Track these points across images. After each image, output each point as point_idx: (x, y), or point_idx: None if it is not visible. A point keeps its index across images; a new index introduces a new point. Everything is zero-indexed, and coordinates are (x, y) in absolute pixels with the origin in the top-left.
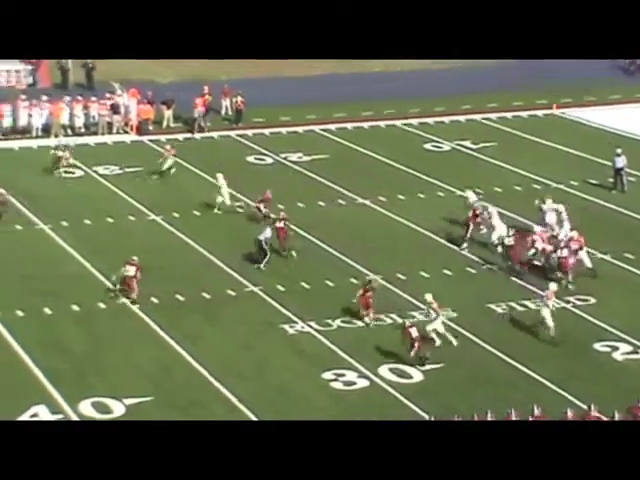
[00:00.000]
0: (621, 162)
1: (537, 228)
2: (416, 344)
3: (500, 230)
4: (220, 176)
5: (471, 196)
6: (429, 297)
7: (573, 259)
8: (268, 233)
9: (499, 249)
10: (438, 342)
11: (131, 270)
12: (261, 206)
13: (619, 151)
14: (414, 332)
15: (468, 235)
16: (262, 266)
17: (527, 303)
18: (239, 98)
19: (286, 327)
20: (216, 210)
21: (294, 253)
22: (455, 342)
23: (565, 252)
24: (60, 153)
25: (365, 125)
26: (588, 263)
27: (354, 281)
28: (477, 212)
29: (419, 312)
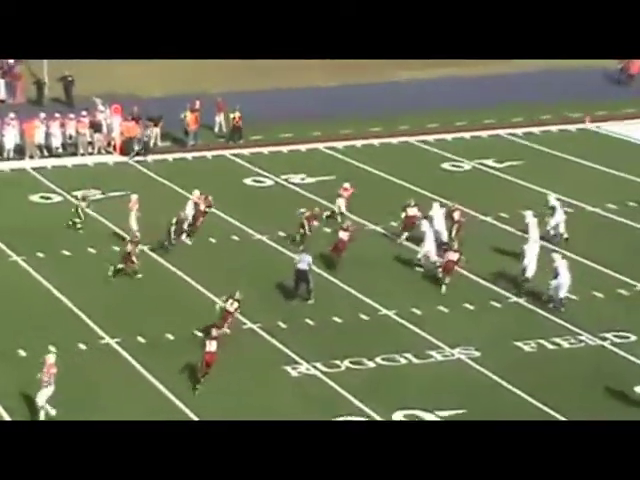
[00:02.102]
0: None
1: None
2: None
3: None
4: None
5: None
6: (50, 359)
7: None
8: (308, 259)
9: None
10: (53, 413)
11: (129, 246)
12: (312, 223)
13: None
14: (210, 346)
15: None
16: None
17: (559, 340)
18: (237, 114)
19: (289, 369)
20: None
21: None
22: (54, 412)
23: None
24: (82, 205)
25: (375, 142)
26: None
27: (364, 317)
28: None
29: (437, 351)
